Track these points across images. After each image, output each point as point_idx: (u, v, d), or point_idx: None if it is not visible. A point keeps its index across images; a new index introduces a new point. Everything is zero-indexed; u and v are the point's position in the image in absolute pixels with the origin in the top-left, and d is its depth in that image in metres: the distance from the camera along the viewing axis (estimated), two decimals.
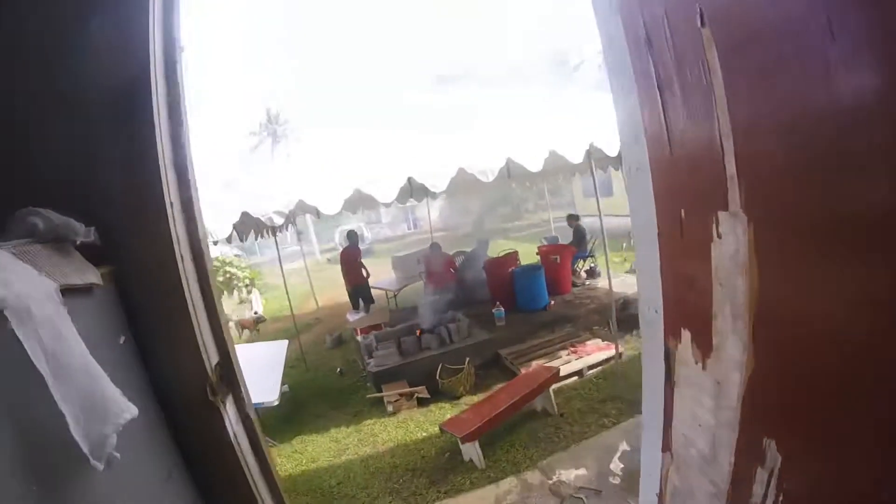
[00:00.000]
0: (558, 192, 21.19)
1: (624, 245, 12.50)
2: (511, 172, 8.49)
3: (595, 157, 5.28)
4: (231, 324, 12.55)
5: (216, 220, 4.40)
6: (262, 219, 4.35)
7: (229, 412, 1.62)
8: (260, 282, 19.70)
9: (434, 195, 10.78)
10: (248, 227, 6.25)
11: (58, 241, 1.23)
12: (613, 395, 5.39)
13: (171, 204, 1.46)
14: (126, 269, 1.44)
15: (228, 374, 1.63)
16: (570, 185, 20.47)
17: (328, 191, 4.45)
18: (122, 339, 1.40)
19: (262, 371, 6.49)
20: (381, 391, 6.22)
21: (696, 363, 1.03)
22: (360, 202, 9.85)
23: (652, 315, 1.20)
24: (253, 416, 1.74)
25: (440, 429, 4.91)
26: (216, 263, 20.16)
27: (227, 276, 19.53)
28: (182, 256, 1.49)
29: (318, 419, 6.28)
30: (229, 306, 16.89)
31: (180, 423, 1.55)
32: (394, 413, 5.91)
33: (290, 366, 7.85)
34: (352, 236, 10.81)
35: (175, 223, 1.46)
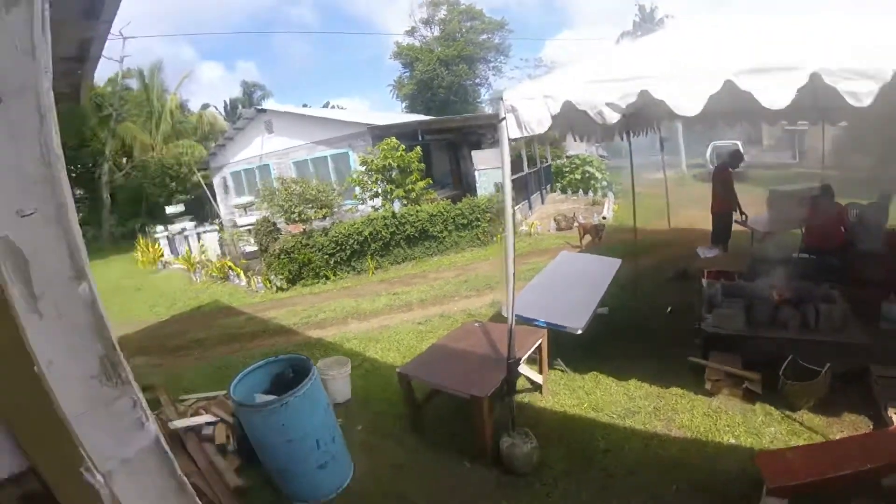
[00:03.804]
0: None
1: None
2: None
3: None
4: (574, 226, 12.48)
5: (536, 109, 3.60)
6: (590, 112, 3.35)
7: None
8: (617, 187, 18.96)
9: (836, 118, 8.18)
10: (581, 122, 5.20)
11: None
12: None
13: None
14: None
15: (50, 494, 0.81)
16: None
17: (686, 82, 3.18)
18: None
19: (581, 288, 5.93)
20: (707, 360, 4.96)
21: None
22: (732, 106, 7.84)
23: None
24: None
25: (752, 461, 3.63)
26: (577, 161, 20.11)
27: (585, 175, 19.37)
28: None
29: (622, 360, 5.41)
30: (581, 206, 16.82)
31: None
32: (710, 394, 4.67)
33: (619, 285, 7.17)
34: (734, 155, 9.07)
35: None
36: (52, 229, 0.73)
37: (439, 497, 3.92)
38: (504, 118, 3.69)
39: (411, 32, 43.59)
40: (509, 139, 3.76)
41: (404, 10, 43.02)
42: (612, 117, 3.36)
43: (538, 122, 3.60)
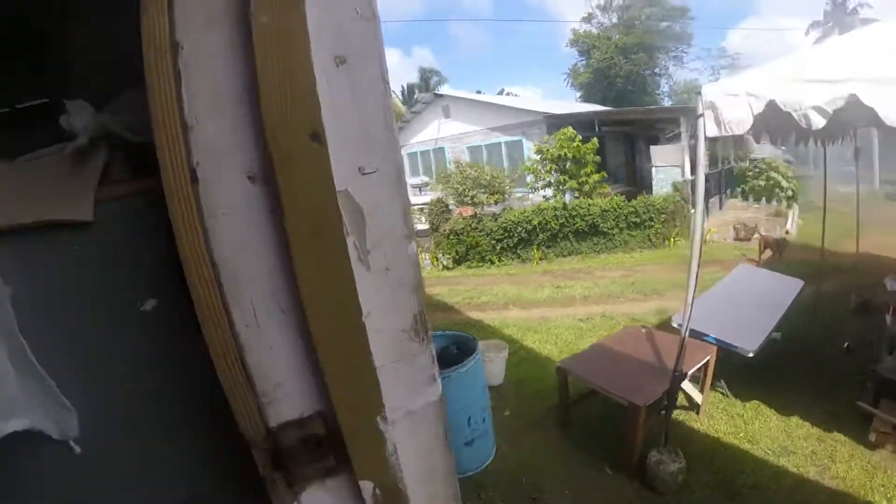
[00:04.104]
0: None
1: None
2: None
3: None
4: (755, 237, 11.55)
5: (738, 107, 3.39)
6: (794, 114, 3.10)
7: None
8: (803, 198, 17.18)
9: None
10: (778, 123, 4.77)
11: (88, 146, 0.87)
12: None
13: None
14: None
15: (338, 437, 0.83)
16: None
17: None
18: (147, 305, 0.89)
19: (757, 307, 5.63)
20: (877, 408, 4.48)
21: None
22: None
23: None
24: None
25: None
26: (761, 165, 18.40)
27: (770, 182, 17.74)
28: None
29: (787, 394, 5.07)
30: (762, 215, 15.56)
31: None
32: (874, 446, 4.25)
33: (796, 309, 6.55)
34: None
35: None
36: (390, 189, 0.78)
37: (575, 496, 4.02)
38: (702, 114, 3.53)
39: (588, 19, 42.14)
40: (706, 137, 3.59)
41: None
42: (818, 122, 3.13)
43: (739, 122, 3.43)
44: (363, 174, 0.75)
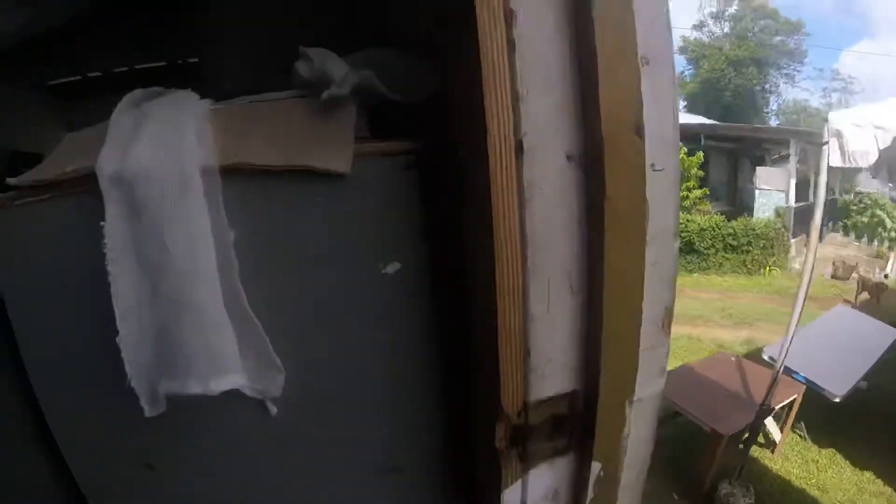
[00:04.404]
0: None
1: None
2: None
3: None
4: (853, 276, 10.91)
5: (864, 139, 3.24)
6: None
7: (531, 484, 0.86)
8: None
9: None
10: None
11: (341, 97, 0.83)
12: None
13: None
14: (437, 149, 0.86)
15: (585, 416, 0.85)
16: None
17: None
18: (389, 268, 0.87)
19: (849, 351, 5.32)
20: None
21: None
22: None
23: None
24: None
25: None
26: (866, 200, 17.20)
27: (875, 219, 16.60)
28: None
29: (864, 446, 4.79)
30: (861, 255, 14.72)
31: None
32: None
33: (888, 362, 6.07)
34: None
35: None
36: (671, 187, 0.80)
37: None
38: (827, 142, 3.39)
39: (699, 27, 40.04)
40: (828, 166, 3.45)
41: (693, 2, 39.34)
42: None
43: (863, 153, 3.31)
44: (654, 170, 0.76)
